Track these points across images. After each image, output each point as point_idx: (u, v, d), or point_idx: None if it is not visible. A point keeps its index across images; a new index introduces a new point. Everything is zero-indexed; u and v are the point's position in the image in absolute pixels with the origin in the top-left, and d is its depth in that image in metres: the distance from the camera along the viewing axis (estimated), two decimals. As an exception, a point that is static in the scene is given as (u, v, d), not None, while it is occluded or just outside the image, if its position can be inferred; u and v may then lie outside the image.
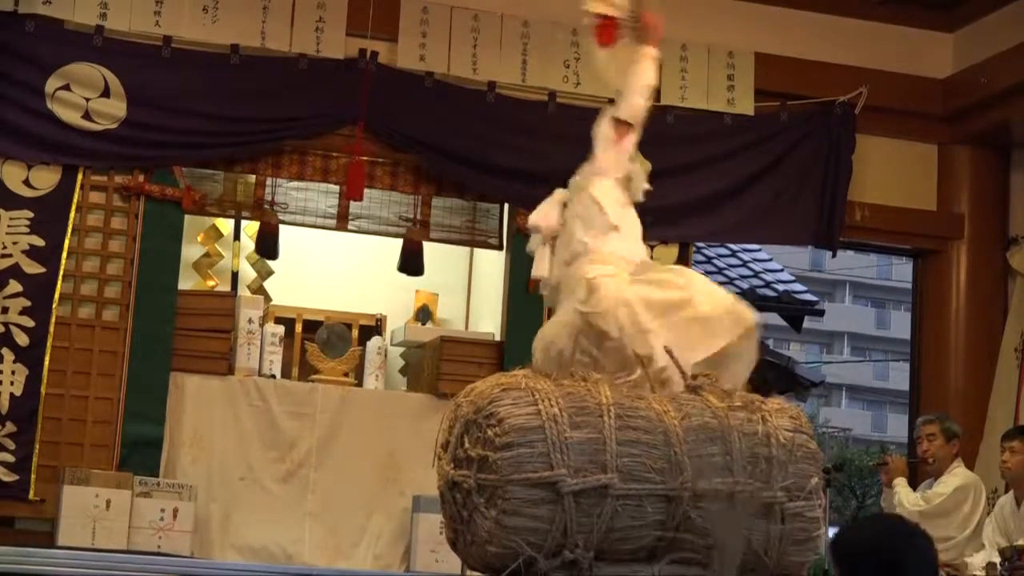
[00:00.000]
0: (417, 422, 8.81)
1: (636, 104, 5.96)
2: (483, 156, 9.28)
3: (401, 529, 8.79)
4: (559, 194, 6.01)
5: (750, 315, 5.57)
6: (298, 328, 9.42)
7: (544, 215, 5.97)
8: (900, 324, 33.28)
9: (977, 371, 10.12)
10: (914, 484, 9.06)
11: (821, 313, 14.48)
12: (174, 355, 8.73)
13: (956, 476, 8.81)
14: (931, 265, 10.45)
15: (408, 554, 8.70)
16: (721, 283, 12.65)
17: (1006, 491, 8.80)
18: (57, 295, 8.61)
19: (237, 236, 9.54)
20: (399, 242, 9.43)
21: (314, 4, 9.10)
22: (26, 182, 8.66)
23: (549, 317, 9.17)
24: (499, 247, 9.57)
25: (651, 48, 6.11)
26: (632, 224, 5.89)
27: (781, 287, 13.33)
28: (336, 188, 9.26)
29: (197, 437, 8.72)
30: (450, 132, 9.24)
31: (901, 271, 33.52)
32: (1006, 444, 8.67)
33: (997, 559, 7.97)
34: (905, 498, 8.74)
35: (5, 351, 8.49)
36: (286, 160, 9.15)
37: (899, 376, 28.10)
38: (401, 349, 9.65)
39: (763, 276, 13.39)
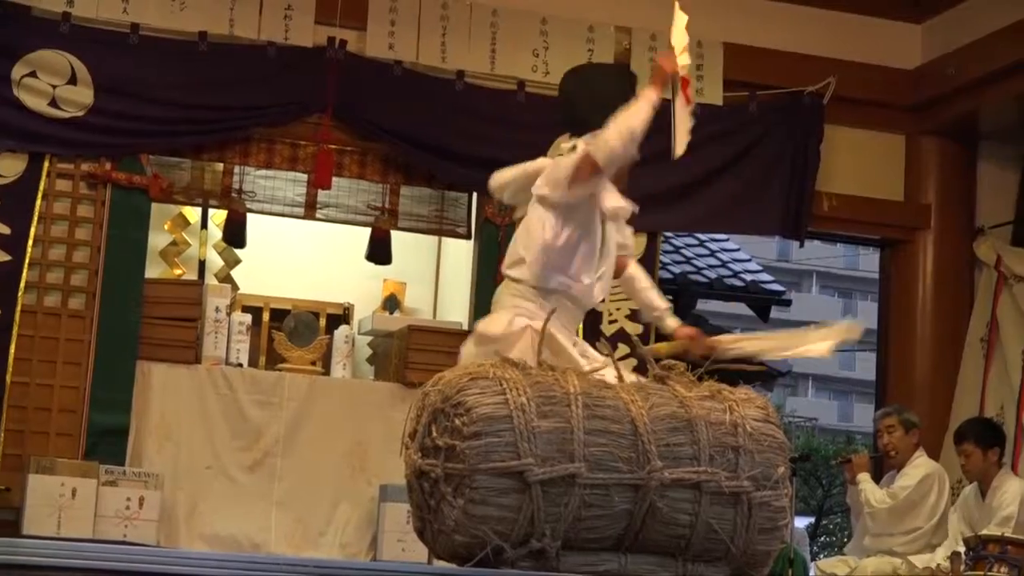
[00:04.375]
0: (385, 411, 8.81)
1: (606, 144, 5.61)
2: (452, 145, 9.27)
3: (368, 518, 8.79)
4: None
5: None
6: (265, 317, 9.40)
7: None
8: (867, 314, 33.28)
9: (943, 361, 10.16)
10: (877, 477, 9.09)
11: (788, 303, 14.50)
12: (141, 343, 8.71)
13: (919, 467, 8.84)
14: (898, 255, 10.47)
15: (375, 543, 8.70)
16: (688, 273, 12.74)
17: (970, 482, 8.84)
18: (23, 283, 8.57)
19: (204, 224, 9.51)
20: (367, 231, 9.42)
21: (282, -8, 9.09)
22: (-9, 169, 8.63)
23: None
24: (467, 236, 9.56)
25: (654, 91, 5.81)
26: None
27: (748, 277, 13.36)
28: (304, 176, 9.24)
29: (163, 426, 8.71)
30: (419, 121, 9.22)
31: (868, 261, 33.60)
32: (958, 448, 8.73)
33: (962, 549, 8.01)
34: (871, 495, 8.76)
35: (-30, 339, 8.46)
36: (254, 148, 9.13)
37: (865, 366, 28.15)
38: (369, 338, 9.64)
39: (730, 266, 13.41)
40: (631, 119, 5.65)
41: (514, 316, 5.65)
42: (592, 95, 5.96)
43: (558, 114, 6.21)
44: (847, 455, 9.63)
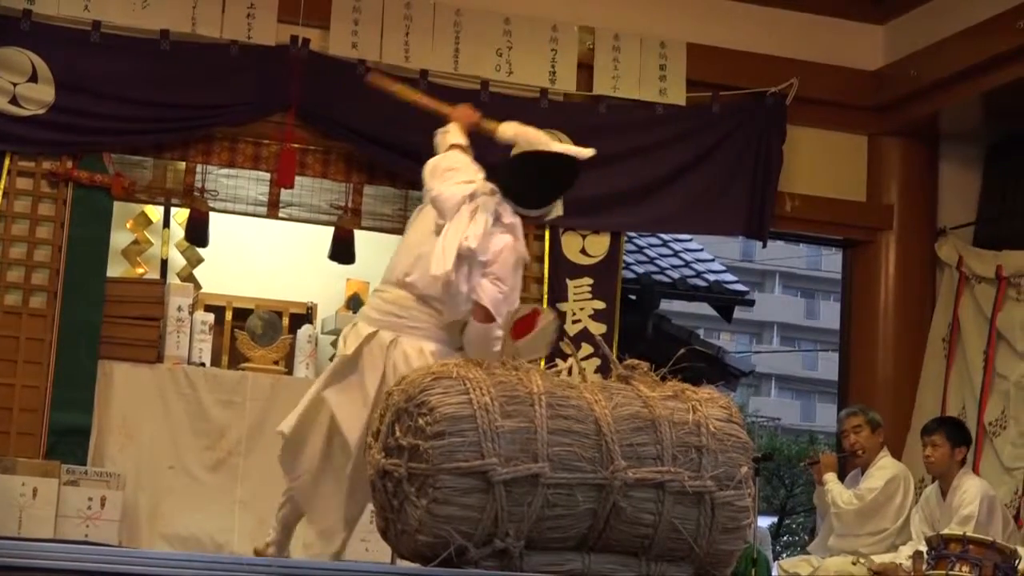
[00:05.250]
0: (348, 411, 8.77)
1: None
2: (415, 144, 9.23)
3: (331, 518, 8.76)
4: None
5: None
6: (228, 316, 9.37)
7: None
8: (829, 314, 33.48)
9: (905, 361, 10.20)
10: (840, 477, 9.12)
11: (751, 303, 14.57)
12: (102, 343, 8.68)
13: (885, 469, 8.88)
14: (860, 256, 10.51)
15: (338, 543, 8.67)
16: (652, 273, 12.75)
17: (932, 481, 8.88)
18: (-17, 282, 8.55)
19: (167, 223, 9.47)
20: (330, 230, 9.40)
21: (245, -10, 9.06)
22: (-48, 168, 8.58)
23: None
24: (430, 236, 9.54)
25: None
26: None
27: (712, 277, 13.39)
28: (267, 175, 9.22)
29: (125, 425, 8.67)
30: (382, 120, 9.19)
31: (830, 262, 33.75)
32: (927, 439, 8.74)
33: (924, 548, 8.04)
34: (838, 496, 8.79)
35: (-70, 338, 8.41)
36: (217, 147, 9.10)
37: (828, 366, 28.26)
38: (332, 337, 9.61)
39: (694, 266, 13.44)
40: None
41: None
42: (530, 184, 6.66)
43: (504, 175, 6.70)
44: (814, 457, 9.65)
